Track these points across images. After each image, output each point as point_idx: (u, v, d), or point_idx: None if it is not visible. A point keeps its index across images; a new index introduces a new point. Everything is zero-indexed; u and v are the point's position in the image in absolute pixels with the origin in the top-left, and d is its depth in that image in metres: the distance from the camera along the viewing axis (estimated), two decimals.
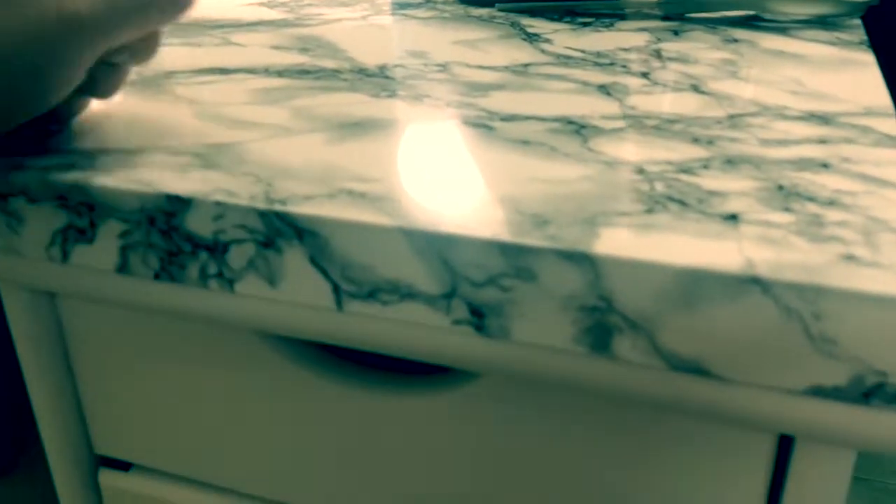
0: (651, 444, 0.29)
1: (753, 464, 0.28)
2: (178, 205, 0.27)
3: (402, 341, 0.28)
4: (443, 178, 0.28)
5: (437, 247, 0.25)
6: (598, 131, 0.32)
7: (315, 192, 0.27)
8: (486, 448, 0.31)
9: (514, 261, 0.24)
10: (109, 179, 0.28)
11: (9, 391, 1.19)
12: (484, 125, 0.33)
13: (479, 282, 0.25)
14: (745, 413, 0.25)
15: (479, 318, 0.25)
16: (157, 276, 0.29)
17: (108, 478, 0.38)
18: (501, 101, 0.36)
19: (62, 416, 0.37)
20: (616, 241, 0.24)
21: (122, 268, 0.29)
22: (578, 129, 0.33)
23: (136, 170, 0.29)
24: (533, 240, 0.24)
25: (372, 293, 0.26)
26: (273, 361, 0.32)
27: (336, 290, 0.27)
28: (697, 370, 0.24)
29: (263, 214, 0.26)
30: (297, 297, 0.27)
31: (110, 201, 0.28)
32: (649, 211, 0.25)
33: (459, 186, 0.28)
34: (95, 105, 0.35)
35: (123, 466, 0.38)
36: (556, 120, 0.34)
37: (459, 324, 0.26)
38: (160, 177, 0.28)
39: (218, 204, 0.27)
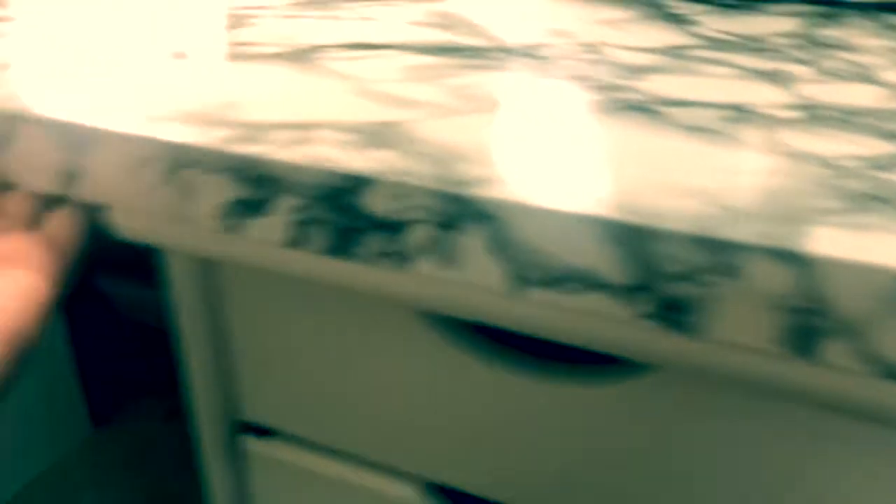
0: (835, 451, 0.28)
1: None
2: (358, 182, 0.27)
3: (580, 330, 0.27)
4: (622, 164, 0.28)
5: (633, 237, 0.24)
6: (774, 121, 0.31)
7: (492, 175, 0.27)
8: (650, 442, 0.31)
9: (718, 256, 0.23)
10: (287, 154, 0.28)
11: (111, 351, 1.24)
12: (649, 109, 0.32)
13: (675, 276, 0.24)
14: None
15: (670, 312, 0.25)
16: (327, 252, 0.29)
17: (251, 443, 0.39)
18: (662, 85, 0.35)
19: (213, 381, 0.38)
20: (828, 241, 0.23)
21: (294, 242, 0.29)
22: (752, 117, 0.31)
23: (311, 146, 0.29)
24: (740, 235, 0.23)
25: (553, 281, 0.26)
26: (433, 340, 0.32)
27: (513, 274, 0.26)
28: None
29: (446, 196, 0.26)
30: (472, 279, 0.27)
31: (290, 176, 0.28)
32: (853, 209, 0.24)
33: (640, 175, 0.27)
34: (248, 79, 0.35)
35: (266, 433, 0.39)
36: (725, 107, 0.32)
37: (647, 318, 0.25)
38: (335, 154, 0.28)
39: (400, 184, 0.27)
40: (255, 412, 0.38)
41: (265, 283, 0.34)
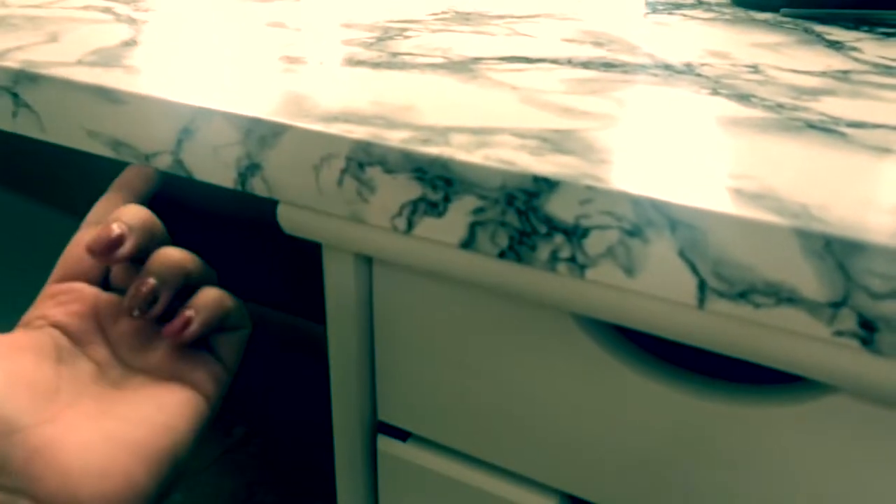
0: None
1: None
2: (543, 186, 0.27)
3: (769, 348, 0.26)
4: (814, 180, 0.27)
5: (836, 251, 0.23)
6: None
7: (679, 184, 0.27)
8: (820, 468, 0.30)
9: None
10: (470, 156, 0.29)
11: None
12: (832, 130, 0.31)
13: (880, 293, 0.23)
14: None
15: (869, 331, 0.24)
16: (502, 255, 0.29)
17: (386, 445, 0.39)
18: (838, 107, 0.34)
19: (355, 379, 0.38)
20: None
21: (468, 243, 0.30)
22: None
23: (492, 149, 0.29)
24: None
25: (744, 293, 0.25)
26: (587, 348, 0.32)
27: (702, 286, 0.26)
28: None
29: (637, 201, 0.26)
30: (656, 289, 0.27)
31: (471, 177, 0.29)
32: None
33: (841, 190, 0.26)
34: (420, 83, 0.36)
35: (402, 436, 0.39)
36: None
37: (843, 335, 0.24)
38: (518, 157, 0.29)
39: (588, 188, 0.27)
40: (391, 414, 0.38)
41: (415, 286, 0.34)
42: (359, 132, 0.31)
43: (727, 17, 0.52)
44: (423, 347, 0.36)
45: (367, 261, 0.36)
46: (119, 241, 0.35)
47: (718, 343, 0.27)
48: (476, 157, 0.29)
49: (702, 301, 0.26)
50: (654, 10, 0.54)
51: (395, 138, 0.30)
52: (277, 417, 0.80)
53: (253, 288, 0.48)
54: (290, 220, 0.34)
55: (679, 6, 0.55)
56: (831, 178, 0.27)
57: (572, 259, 0.28)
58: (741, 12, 0.53)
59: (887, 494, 0.28)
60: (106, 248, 0.34)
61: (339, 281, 0.36)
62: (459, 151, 0.29)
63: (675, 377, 0.31)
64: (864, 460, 0.28)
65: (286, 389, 0.78)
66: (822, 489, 0.30)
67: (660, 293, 0.27)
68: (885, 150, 0.29)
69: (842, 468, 0.29)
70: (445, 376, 0.36)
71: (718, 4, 0.56)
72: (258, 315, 0.71)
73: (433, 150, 0.29)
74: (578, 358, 0.32)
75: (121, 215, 0.35)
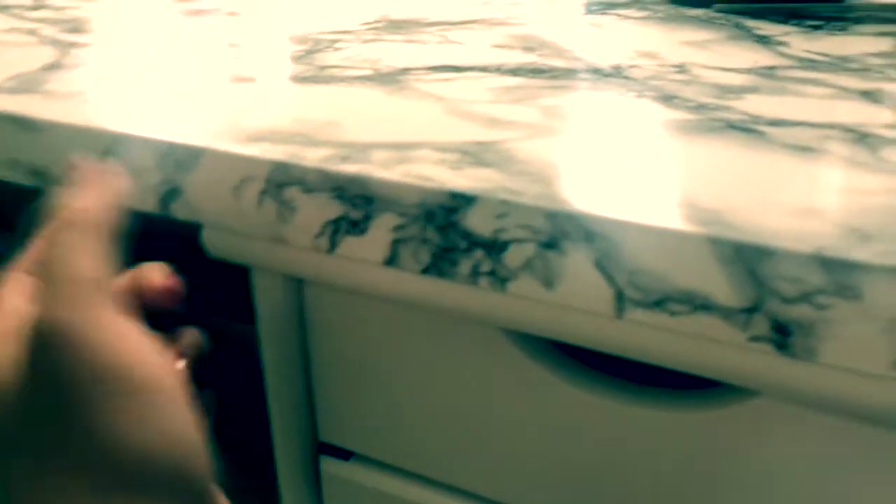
0: None
1: None
2: (461, 201, 0.27)
3: (686, 354, 0.26)
4: (729, 183, 0.27)
5: (745, 258, 0.23)
6: (885, 141, 0.30)
7: (596, 194, 0.26)
8: (748, 469, 0.30)
9: (837, 277, 0.22)
10: (388, 173, 0.28)
11: None
12: (752, 129, 0.32)
13: (790, 298, 0.23)
14: None
15: (782, 335, 0.24)
16: (425, 271, 0.29)
17: (329, 465, 0.39)
18: (760, 105, 0.34)
19: (293, 400, 0.38)
20: None
21: (391, 261, 0.29)
22: (860, 137, 0.30)
23: (412, 165, 0.29)
24: (861, 256, 0.22)
25: (660, 302, 0.25)
26: (517, 361, 0.32)
27: (619, 296, 0.26)
28: None
29: (552, 214, 0.26)
30: (575, 300, 0.27)
31: (391, 195, 0.28)
32: None
33: (754, 194, 0.26)
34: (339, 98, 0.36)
35: (345, 455, 0.39)
36: (829, 126, 0.32)
37: (758, 340, 0.24)
38: (436, 172, 0.28)
39: (503, 202, 0.26)
40: (332, 434, 0.38)
41: (347, 304, 0.34)
42: (277, 152, 0.30)
43: (660, 15, 0.52)
44: (360, 367, 0.36)
45: (297, 281, 0.35)
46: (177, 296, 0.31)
47: (638, 351, 0.27)
48: (395, 175, 0.28)
49: (620, 310, 0.26)
50: (589, 12, 0.54)
51: (314, 157, 0.30)
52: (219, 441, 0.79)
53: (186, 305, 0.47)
54: (215, 243, 0.34)
55: (614, 6, 0.55)
56: (746, 180, 0.27)
57: (493, 273, 0.28)
58: (674, 9, 0.53)
59: (810, 491, 0.29)
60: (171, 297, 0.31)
61: (269, 303, 0.36)
62: (378, 169, 0.29)
63: (605, 386, 0.31)
64: (787, 460, 0.28)
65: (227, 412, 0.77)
66: (748, 488, 0.30)
67: (579, 304, 0.27)
68: (801, 149, 0.29)
69: (767, 468, 0.29)
70: (383, 394, 0.36)
71: (654, 2, 0.56)
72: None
73: (352, 168, 0.29)
74: (510, 371, 0.32)
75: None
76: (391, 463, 0.38)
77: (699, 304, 0.25)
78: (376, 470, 0.39)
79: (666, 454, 0.31)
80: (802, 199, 0.25)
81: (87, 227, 0.24)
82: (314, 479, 0.40)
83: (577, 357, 0.32)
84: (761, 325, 0.24)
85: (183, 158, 0.32)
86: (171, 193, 0.33)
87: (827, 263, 0.23)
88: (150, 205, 0.34)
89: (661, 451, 0.31)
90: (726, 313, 0.24)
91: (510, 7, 0.56)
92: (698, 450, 0.30)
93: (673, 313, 0.25)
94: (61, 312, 0.22)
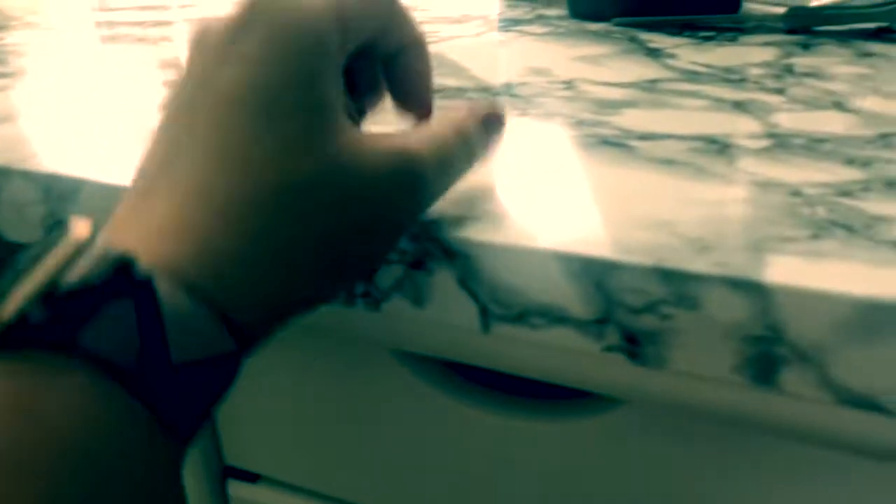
0: (806, 479, 0.28)
1: None
2: None
3: (550, 366, 0.27)
4: (590, 199, 0.28)
5: (591, 271, 0.24)
6: (745, 151, 0.31)
7: (461, 214, 0.27)
8: (624, 477, 0.31)
9: (677, 288, 0.23)
10: None
11: None
12: (622, 144, 0.33)
13: (636, 308, 0.24)
14: None
15: (633, 345, 0.25)
16: None
17: (236, 488, 0.39)
18: (635, 119, 0.35)
19: None
20: (786, 269, 0.23)
21: None
22: (722, 148, 0.32)
23: None
24: (697, 266, 0.23)
25: (521, 316, 0.26)
26: (407, 380, 0.32)
27: (484, 312, 0.27)
28: (869, 405, 0.23)
29: (414, 236, 0.27)
30: (444, 318, 0.27)
31: None
32: (816, 237, 0.24)
33: (608, 208, 0.27)
34: None
35: (252, 478, 0.39)
36: (696, 138, 0.33)
37: (611, 350, 0.25)
38: None
39: None
40: (237, 457, 0.38)
41: None
42: None
43: (562, 30, 0.53)
44: (261, 389, 0.36)
45: None
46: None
47: (507, 364, 0.28)
48: None
49: (486, 326, 0.27)
50: (493, 28, 0.55)
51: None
52: None
53: None
54: None
55: (518, 22, 0.56)
56: (607, 195, 0.28)
57: (367, 294, 0.28)
58: (576, 24, 0.54)
59: (678, 494, 0.30)
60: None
61: None
62: None
63: (490, 401, 0.32)
64: (655, 464, 0.29)
65: None
66: (623, 492, 0.31)
67: (448, 321, 0.27)
68: (664, 162, 0.31)
69: (638, 473, 0.30)
70: (284, 416, 0.36)
71: (558, 17, 0.57)
72: None
73: None
74: (398, 389, 0.33)
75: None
76: (298, 484, 0.38)
77: (556, 317, 0.26)
78: (284, 491, 0.39)
79: (550, 464, 0.32)
80: (654, 213, 0.27)
81: None
82: (223, 503, 0.40)
83: (465, 374, 0.33)
84: (613, 336, 0.25)
85: (65, 191, 0.32)
86: (56, 226, 0.33)
87: (666, 275, 0.24)
88: (36, 237, 0.34)
89: (546, 461, 0.32)
90: (581, 325, 0.25)
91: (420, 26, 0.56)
92: (581, 458, 0.31)
93: (534, 326, 0.26)
94: None
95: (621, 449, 0.30)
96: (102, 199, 0.31)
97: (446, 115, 0.27)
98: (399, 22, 0.27)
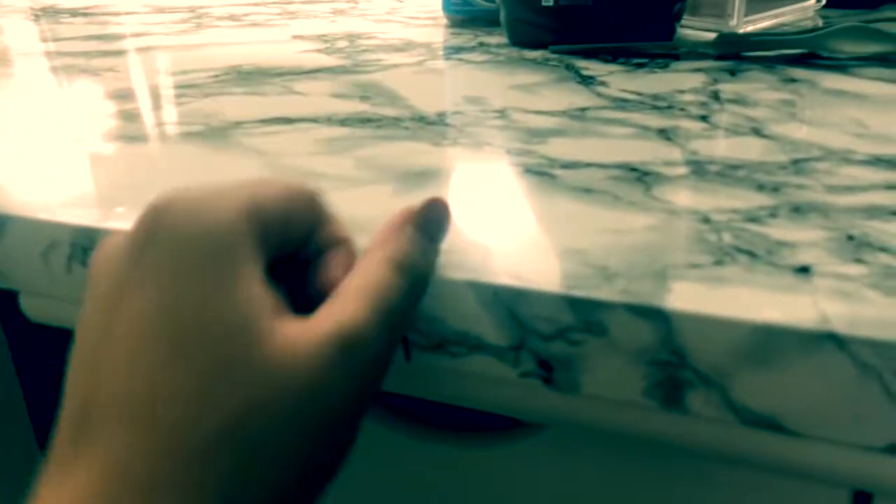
0: (720, 498, 0.29)
1: None
2: None
3: (471, 393, 0.28)
4: (507, 228, 0.29)
5: (504, 300, 0.25)
6: (661, 178, 0.32)
7: None
8: (549, 499, 0.31)
9: (584, 315, 0.24)
10: None
11: None
12: (545, 173, 0.34)
13: (548, 335, 0.25)
14: (820, 469, 0.25)
15: (547, 371, 0.26)
16: None
17: None
18: (561, 148, 0.36)
19: None
20: (688, 296, 0.24)
21: None
22: (641, 176, 0.33)
23: None
24: (603, 294, 0.24)
25: (441, 344, 0.27)
26: None
27: (404, 341, 0.27)
28: (771, 425, 0.24)
29: None
30: None
31: None
32: (719, 263, 0.25)
33: (524, 237, 0.28)
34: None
35: None
36: (617, 167, 0.34)
37: (528, 376, 0.26)
38: None
39: None
40: None
41: None
42: (84, 217, 0.31)
43: (501, 58, 0.54)
44: None
45: None
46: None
47: (430, 392, 0.29)
48: None
49: (408, 354, 0.27)
50: (434, 57, 0.56)
51: (118, 219, 0.30)
52: None
53: None
54: (33, 309, 0.34)
55: (459, 49, 0.58)
56: (524, 224, 0.29)
57: None
58: (514, 52, 0.56)
59: None
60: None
61: None
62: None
63: (416, 430, 0.32)
64: (580, 485, 0.30)
65: None
66: None
67: None
68: (583, 191, 0.31)
69: (564, 494, 0.31)
70: None
71: (498, 45, 0.58)
72: None
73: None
74: None
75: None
76: None
77: (473, 345, 0.26)
78: None
79: (480, 488, 0.32)
80: (568, 241, 0.27)
81: None
82: None
83: (391, 405, 0.33)
84: (528, 362, 0.26)
85: None
86: None
87: (574, 303, 0.24)
88: None
89: (479, 486, 0.32)
90: (497, 352, 0.26)
91: (363, 54, 0.57)
92: (507, 482, 0.32)
93: (454, 354, 0.27)
94: None
95: (547, 472, 0.31)
96: (25, 235, 0.32)
97: (380, 244, 0.25)
98: (323, 224, 0.26)
